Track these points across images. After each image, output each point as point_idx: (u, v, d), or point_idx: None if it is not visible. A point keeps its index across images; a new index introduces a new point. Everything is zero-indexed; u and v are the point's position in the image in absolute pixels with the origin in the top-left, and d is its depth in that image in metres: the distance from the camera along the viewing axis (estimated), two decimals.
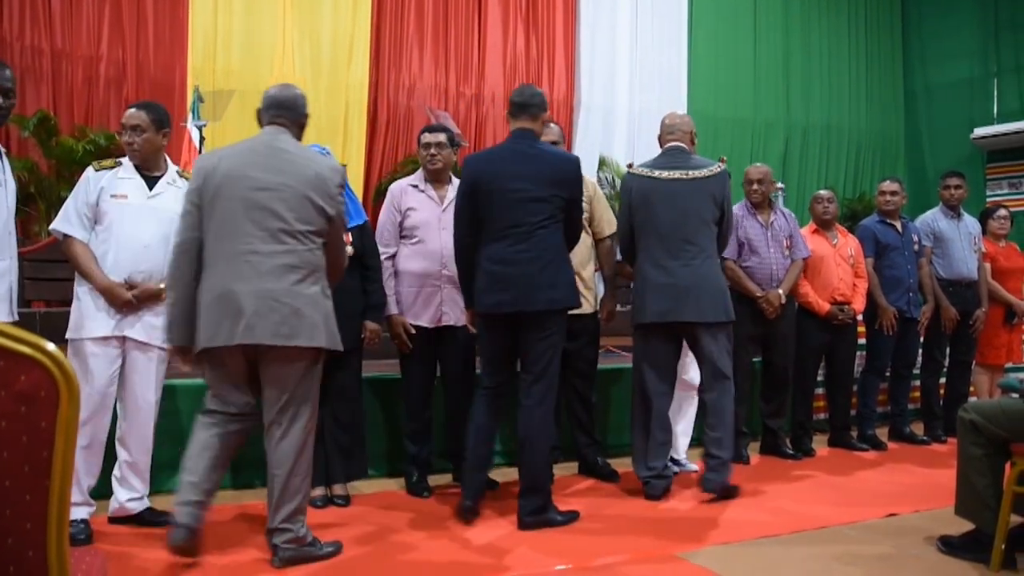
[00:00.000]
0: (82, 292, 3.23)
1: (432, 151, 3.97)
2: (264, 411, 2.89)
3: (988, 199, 9.69)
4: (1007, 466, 3.01)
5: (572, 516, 3.50)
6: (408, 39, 8.88)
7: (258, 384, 2.90)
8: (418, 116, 8.61)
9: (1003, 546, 2.92)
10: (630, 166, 4.04)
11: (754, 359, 4.97)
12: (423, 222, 3.92)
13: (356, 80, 8.51)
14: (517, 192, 3.35)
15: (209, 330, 2.78)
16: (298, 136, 3.03)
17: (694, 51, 10.21)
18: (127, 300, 3.18)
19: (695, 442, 4.63)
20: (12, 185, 2.98)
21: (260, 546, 3.05)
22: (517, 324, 3.41)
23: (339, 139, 8.32)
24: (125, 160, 3.32)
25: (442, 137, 4.00)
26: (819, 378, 5.32)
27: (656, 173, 3.91)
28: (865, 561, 3.08)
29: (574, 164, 3.54)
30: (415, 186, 4.02)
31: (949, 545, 3.15)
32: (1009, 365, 5.73)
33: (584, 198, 4.16)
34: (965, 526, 3.12)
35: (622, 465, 4.45)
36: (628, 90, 9.88)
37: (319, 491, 3.72)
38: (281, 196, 2.82)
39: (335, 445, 3.73)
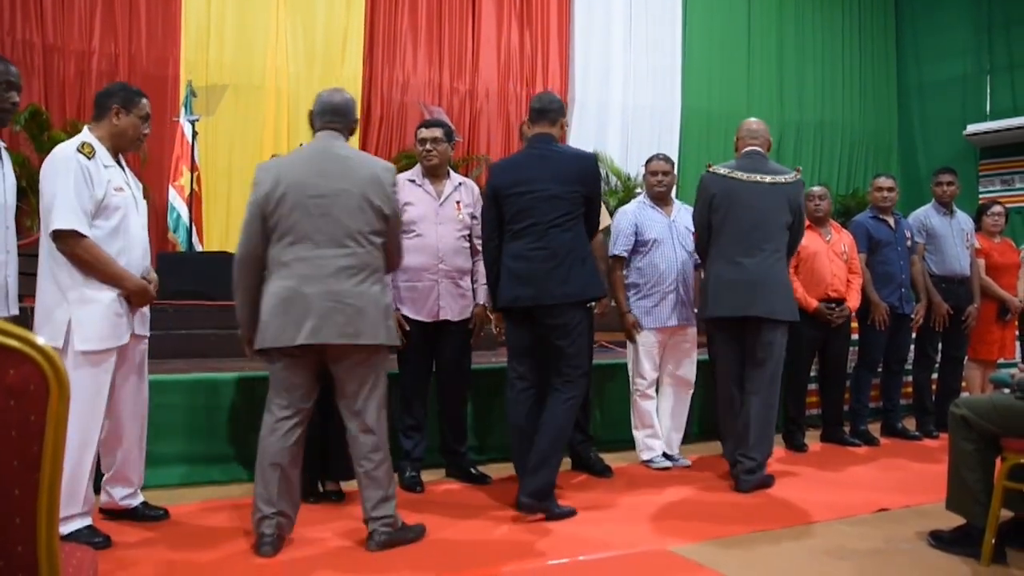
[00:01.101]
0: (93, 296, 2.97)
1: (428, 147, 3.97)
2: (340, 407, 3.05)
3: (980, 196, 9.71)
4: (997, 461, 3.02)
5: (569, 511, 3.51)
6: (402, 34, 8.86)
7: (321, 380, 3.06)
8: (412, 112, 8.60)
9: (993, 540, 2.94)
10: (709, 167, 4.24)
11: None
12: (420, 216, 3.91)
13: (350, 75, 8.49)
14: (534, 193, 3.52)
15: (274, 331, 2.91)
16: (347, 139, 3.16)
17: (688, 47, 10.21)
18: (152, 300, 3.15)
19: (695, 437, 4.65)
20: (12, 180, 2.93)
21: (249, 535, 3.05)
22: (537, 319, 3.56)
23: None
24: (99, 147, 3.12)
25: (438, 132, 3.99)
26: (812, 373, 5.33)
27: (737, 175, 4.07)
28: (856, 555, 3.08)
29: (590, 160, 3.70)
30: (412, 180, 4.02)
31: (940, 540, 3.16)
32: (1001, 361, 5.75)
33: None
34: (956, 521, 3.13)
35: (615, 460, 4.46)
36: (622, 86, 9.88)
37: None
38: (340, 201, 2.94)
39: (329, 441, 3.72)
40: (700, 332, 4.75)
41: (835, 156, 11.10)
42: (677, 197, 4.84)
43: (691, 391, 4.64)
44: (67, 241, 2.94)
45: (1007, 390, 3.10)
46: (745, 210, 4.01)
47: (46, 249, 2.99)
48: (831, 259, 5.00)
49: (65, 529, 2.88)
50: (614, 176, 9.20)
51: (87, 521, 3.02)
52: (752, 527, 3.42)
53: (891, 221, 5.31)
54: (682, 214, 4.60)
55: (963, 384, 5.78)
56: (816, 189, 5.31)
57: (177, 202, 7.21)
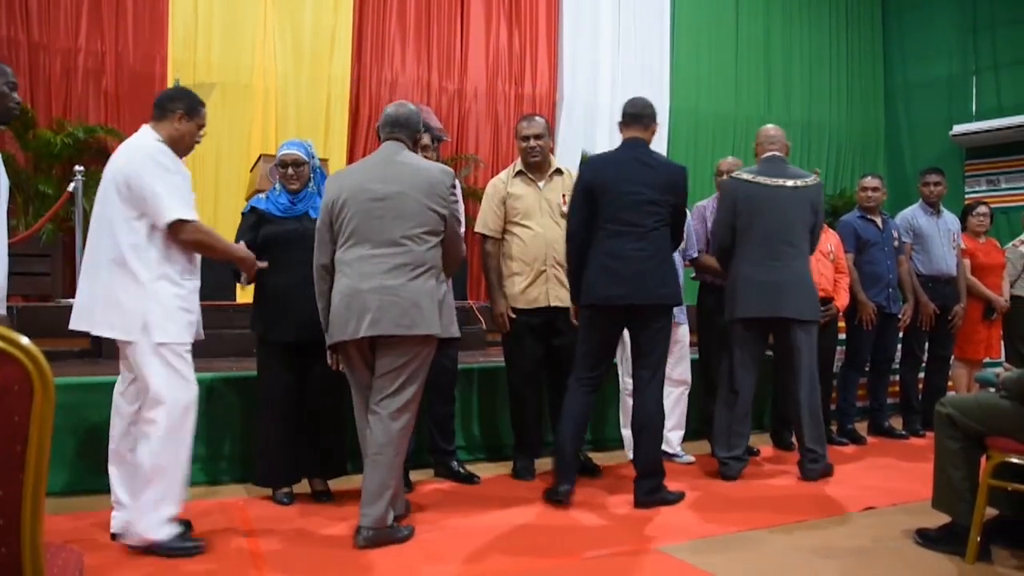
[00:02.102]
0: (188, 287, 3.10)
1: (426, 155, 3.94)
2: (372, 394, 3.18)
3: (966, 196, 9.76)
4: (983, 459, 3.04)
5: (680, 495, 3.78)
6: (390, 33, 8.83)
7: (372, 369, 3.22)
8: None
9: (978, 538, 2.96)
10: (731, 172, 4.45)
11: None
12: None
13: (338, 74, 8.46)
14: (634, 195, 3.66)
15: (338, 328, 3.14)
16: (413, 149, 3.37)
17: (676, 47, 10.22)
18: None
19: (696, 434, 4.66)
20: (5, 181, 2.91)
21: (238, 533, 3.04)
22: (627, 318, 3.70)
23: (320, 133, 8.26)
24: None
25: (426, 139, 3.96)
26: None
27: (760, 179, 4.22)
28: (843, 553, 3.10)
29: (683, 173, 3.85)
30: None
31: (926, 537, 3.18)
32: (987, 360, 5.79)
33: (570, 189, 4.19)
34: (942, 519, 3.15)
35: (604, 459, 4.47)
36: (611, 86, 9.88)
37: (284, 489, 3.72)
38: (397, 204, 3.15)
39: (316, 440, 3.72)
40: (691, 331, 4.78)
41: (822, 156, 11.13)
42: None
43: (687, 389, 4.66)
44: (186, 230, 3.05)
45: (992, 389, 3.12)
46: (769, 213, 4.17)
47: (127, 246, 2.98)
48: (818, 259, 5.01)
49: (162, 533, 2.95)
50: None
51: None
52: (741, 526, 3.43)
53: (879, 221, 5.34)
54: None
55: (949, 383, 5.81)
56: None
57: None
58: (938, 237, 5.51)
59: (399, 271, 3.11)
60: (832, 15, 11.33)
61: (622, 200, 3.67)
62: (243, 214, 3.79)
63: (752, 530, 3.39)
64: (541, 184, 4.18)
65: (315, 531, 3.29)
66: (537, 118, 4.24)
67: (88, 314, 3.03)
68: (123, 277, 2.97)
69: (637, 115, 3.81)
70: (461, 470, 4.18)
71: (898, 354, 5.66)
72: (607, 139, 9.79)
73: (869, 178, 5.43)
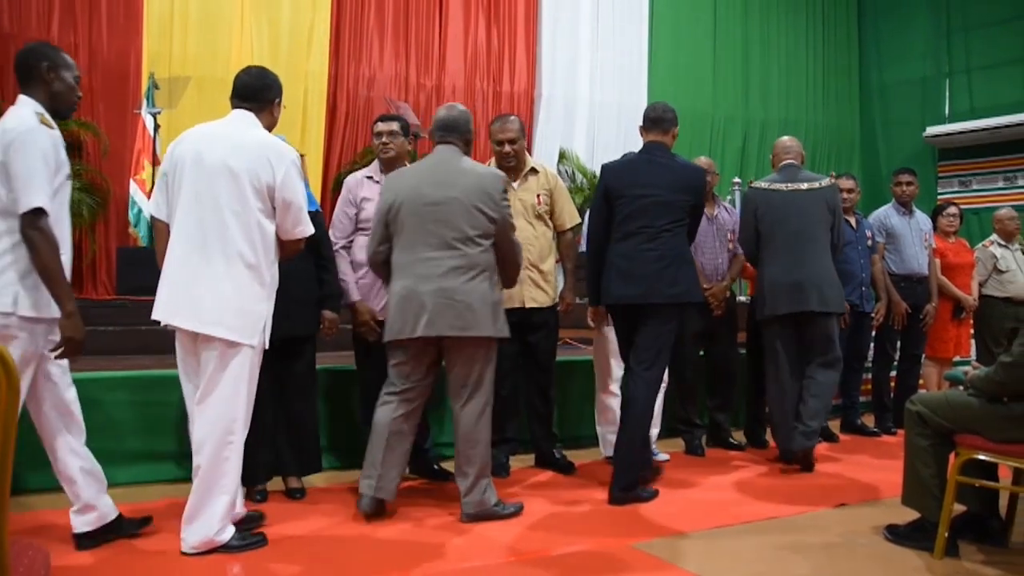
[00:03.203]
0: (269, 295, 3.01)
1: (385, 139, 3.95)
2: (449, 391, 3.43)
3: (939, 196, 9.89)
4: (951, 457, 3.08)
5: (654, 493, 3.81)
6: (368, 29, 8.80)
7: (437, 366, 3.44)
8: (378, 107, 8.53)
9: (946, 534, 3.00)
10: (751, 183, 4.77)
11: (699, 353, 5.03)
12: None
13: (315, 69, 8.42)
14: (647, 197, 3.77)
15: (396, 325, 3.30)
16: (465, 150, 3.48)
17: (654, 45, 10.26)
18: None
19: (672, 432, 4.66)
20: (66, 168, 2.84)
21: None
22: (639, 316, 3.79)
23: (297, 129, 8.22)
24: None
25: (395, 126, 3.97)
26: None
27: (777, 186, 4.51)
28: (815, 550, 3.13)
29: (700, 173, 4.01)
30: (370, 177, 4.00)
31: (895, 534, 3.22)
32: (957, 359, 5.87)
33: (544, 190, 4.19)
34: (912, 515, 3.19)
35: (579, 457, 4.48)
36: (589, 83, 9.91)
37: (259, 486, 3.69)
38: (450, 208, 3.28)
39: (288, 437, 3.70)
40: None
41: None
42: None
43: (664, 387, 4.67)
44: (302, 242, 3.11)
45: (961, 387, 3.17)
46: (790, 216, 4.43)
47: (259, 246, 2.94)
48: None
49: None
50: (580, 174, 9.23)
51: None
52: (713, 522, 3.46)
53: (852, 221, 5.38)
54: (723, 213, 4.77)
55: (921, 381, 5.88)
56: None
57: (138, 196, 7.08)
58: (910, 237, 5.57)
59: (454, 273, 3.25)
60: (809, 16, 11.43)
61: (635, 203, 3.79)
62: None
63: (725, 527, 3.42)
64: (515, 185, 4.17)
65: (291, 528, 3.27)
66: (511, 120, 4.20)
67: (192, 310, 2.89)
68: (250, 277, 2.92)
69: (657, 119, 3.94)
70: (436, 467, 4.17)
71: (871, 353, 5.72)
72: (585, 136, 9.83)
73: (843, 179, 5.47)
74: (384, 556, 2.99)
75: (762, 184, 4.60)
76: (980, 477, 3.05)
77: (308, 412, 3.75)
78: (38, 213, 2.64)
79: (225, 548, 2.91)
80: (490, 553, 3.03)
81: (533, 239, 4.10)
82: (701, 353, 5.03)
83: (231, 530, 2.96)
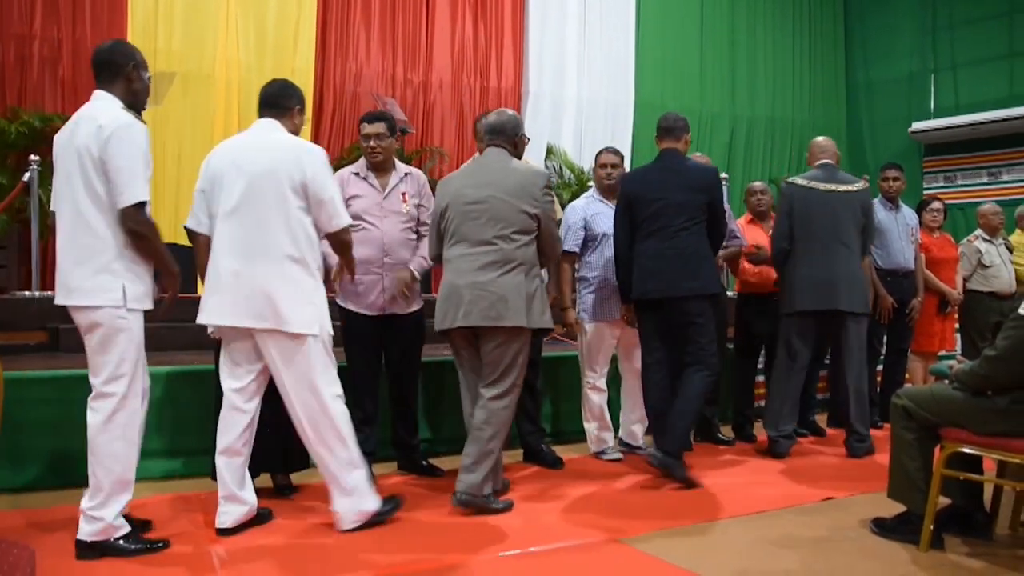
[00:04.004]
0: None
1: (372, 143, 3.91)
2: (482, 378, 3.55)
3: (924, 192, 9.94)
4: (937, 450, 3.10)
5: (694, 483, 3.92)
6: (355, 25, 8.75)
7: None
8: (365, 103, 8.49)
9: (932, 527, 3.02)
10: (787, 179, 4.86)
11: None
12: (364, 210, 3.87)
13: (302, 65, 8.36)
14: (663, 200, 4.03)
15: (440, 316, 3.56)
16: (514, 152, 3.68)
17: (642, 41, 10.26)
18: None
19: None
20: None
21: (200, 527, 3.00)
22: (665, 310, 4.04)
23: None
24: None
25: (382, 127, 3.93)
26: (759, 366, 5.41)
27: (815, 184, 4.60)
28: (802, 543, 3.15)
29: (713, 173, 4.24)
30: (357, 174, 3.97)
31: (882, 527, 3.24)
32: (942, 353, 5.90)
33: None
34: (898, 508, 3.21)
35: (566, 452, 4.49)
36: (576, 80, 9.90)
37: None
38: (489, 207, 3.48)
39: (278, 434, 3.68)
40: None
41: (785, 151, 11.25)
42: None
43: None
44: (349, 235, 3.30)
45: (946, 381, 3.19)
46: (824, 215, 4.55)
47: (304, 243, 3.09)
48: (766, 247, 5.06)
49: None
50: (567, 170, 9.22)
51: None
52: (701, 517, 3.47)
53: None
54: None
55: (906, 376, 5.91)
56: (756, 184, 5.41)
57: None
58: (896, 232, 5.58)
59: (490, 268, 3.44)
60: (795, 13, 11.46)
61: (652, 205, 4.04)
62: None
63: (712, 521, 3.43)
64: None
65: (278, 524, 3.26)
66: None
67: (250, 310, 3.03)
68: (300, 272, 3.07)
69: (669, 128, 4.22)
70: (425, 463, 4.17)
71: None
72: (572, 133, 9.82)
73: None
74: (367, 551, 2.98)
75: (799, 181, 4.69)
76: (965, 470, 3.07)
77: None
78: (141, 206, 2.83)
79: (377, 517, 3.20)
80: (476, 549, 3.03)
81: None
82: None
83: (377, 499, 3.23)
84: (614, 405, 4.73)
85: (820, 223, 4.54)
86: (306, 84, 8.35)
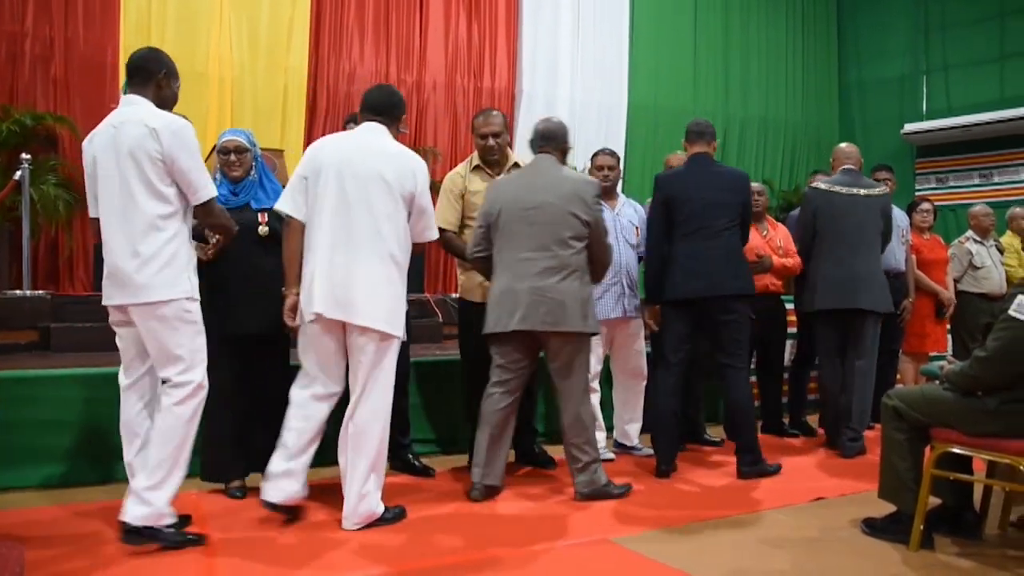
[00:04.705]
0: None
1: None
2: (553, 381, 3.72)
3: (916, 193, 9.97)
4: (927, 450, 3.11)
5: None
6: (348, 24, 8.74)
7: (535, 358, 3.77)
8: (358, 103, 8.46)
9: (922, 527, 3.03)
10: (811, 183, 5.03)
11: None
12: None
13: (295, 64, 8.35)
14: (704, 200, 4.13)
15: (494, 319, 3.62)
16: (562, 159, 3.83)
17: (635, 42, 10.27)
18: None
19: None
20: None
21: (192, 527, 3.00)
22: (705, 310, 4.12)
23: (277, 124, 8.16)
24: None
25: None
26: (751, 366, 5.41)
27: (837, 188, 4.77)
28: (792, 544, 3.16)
29: (744, 176, 4.38)
30: None
31: (872, 527, 3.26)
32: (933, 354, 5.92)
33: None
34: (888, 508, 3.22)
35: (559, 452, 4.48)
36: (569, 81, 9.90)
37: (236, 483, 3.69)
38: (546, 213, 3.58)
39: (262, 434, 3.67)
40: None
41: (778, 151, 11.28)
42: (622, 191, 4.88)
43: (644, 382, 4.68)
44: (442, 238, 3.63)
45: (937, 382, 3.20)
46: (846, 218, 4.71)
47: (395, 249, 3.22)
48: (768, 254, 5.08)
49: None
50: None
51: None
52: (692, 517, 3.48)
53: None
54: (626, 208, 4.63)
55: (898, 376, 5.93)
56: (755, 185, 5.39)
57: None
58: None
59: (548, 273, 3.55)
60: (788, 14, 11.49)
61: (693, 206, 4.13)
62: None
63: (703, 521, 3.44)
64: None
65: (270, 525, 3.26)
66: (494, 113, 4.22)
67: (350, 305, 3.13)
68: (399, 276, 3.25)
69: (700, 133, 4.31)
70: (416, 463, 4.17)
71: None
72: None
73: (819, 175, 5.50)
74: (358, 553, 2.98)
75: (822, 185, 4.84)
76: (955, 470, 3.09)
77: (282, 406, 3.71)
78: (214, 199, 3.05)
79: (381, 520, 3.26)
80: (468, 548, 3.04)
81: None
82: None
83: (381, 504, 3.29)
84: (606, 405, 4.74)
85: (843, 225, 4.71)
86: (299, 83, 8.34)
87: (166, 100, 3.12)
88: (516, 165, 4.23)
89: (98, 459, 3.80)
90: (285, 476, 3.21)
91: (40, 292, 5.86)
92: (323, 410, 3.28)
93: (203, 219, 3.08)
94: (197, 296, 3.02)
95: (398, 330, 3.21)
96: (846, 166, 4.89)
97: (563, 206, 3.59)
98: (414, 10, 9.04)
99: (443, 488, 3.88)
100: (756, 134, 11.14)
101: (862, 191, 4.77)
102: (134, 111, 2.97)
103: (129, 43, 7.61)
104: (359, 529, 3.18)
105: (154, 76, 3.08)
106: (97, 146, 3.00)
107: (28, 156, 5.82)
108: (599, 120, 9.96)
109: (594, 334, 3.78)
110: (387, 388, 3.23)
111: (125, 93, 3.10)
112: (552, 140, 3.80)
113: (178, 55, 7.89)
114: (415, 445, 4.35)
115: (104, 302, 3.05)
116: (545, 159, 3.78)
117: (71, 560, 2.80)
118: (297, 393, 3.29)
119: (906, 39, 10.94)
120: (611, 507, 3.62)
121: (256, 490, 3.64)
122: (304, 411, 3.25)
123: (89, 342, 5.08)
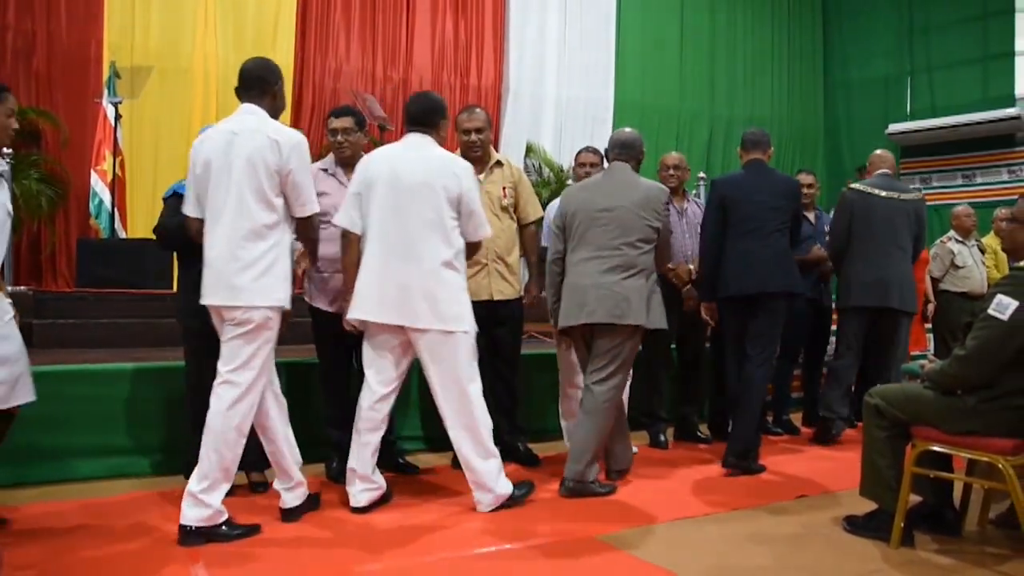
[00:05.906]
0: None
1: (340, 138, 3.88)
2: (587, 373, 3.87)
3: None
4: (908, 448, 3.14)
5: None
6: (335, 21, 8.72)
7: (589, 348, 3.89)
8: (344, 100, 8.47)
9: (902, 524, 3.06)
10: (849, 184, 5.13)
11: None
12: (332, 207, 3.80)
13: (281, 61, 8.09)
14: (759, 203, 4.33)
15: (564, 314, 3.85)
16: (636, 167, 4.00)
17: (622, 40, 10.31)
18: None
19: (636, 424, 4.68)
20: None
21: (176, 524, 2.99)
22: (753, 305, 4.28)
23: None
24: None
25: (348, 122, 3.89)
26: None
27: (874, 191, 4.90)
28: (775, 540, 3.18)
29: (796, 184, 4.62)
30: (325, 170, 3.91)
31: (854, 524, 3.28)
32: (915, 353, 5.97)
33: (509, 183, 4.19)
34: (870, 506, 3.25)
35: (543, 449, 4.50)
36: (556, 79, 9.93)
37: (256, 475, 3.69)
38: (617, 215, 3.79)
39: (252, 431, 3.66)
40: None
41: None
42: None
43: (629, 381, 4.69)
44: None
45: (918, 380, 3.23)
46: (882, 220, 4.86)
47: (445, 252, 3.35)
48: None
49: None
50: (547, 168, 9.24)
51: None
52: (675, 514, 3.49)
53: (812, 216, 5.45)
54: (692, 207, 4.82)
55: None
56: (804, 177, 5.43)
57: (99, 187, 6.96)
58: None
59: (614, 271, 3.74)
60: (775, 14, 11.56)
61: (749, 208, 4.32)
62: (165, 199, 3.69)
63: (687, 518, 3.46)
64: (481, 177, 4.15)
65: (255, 521, 3.25)
66: (478, 110, 4.22)
67: (406, 310, 3.28)
68: (453, 275, 3.35)
69: (756, 141, 4.53)
70: (401, 460, 4.17)
71: (831, 346, 5.78)
72: (552, 131, 9.85)
73: (802, 175, 5.52)
74: (342, 550, 2.98)
75: (860, 187, 4.97)
76: (935, 468, 3.11)
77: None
78: (315, 216, 3.20)
79: (511, 500, 3.46)
80: (452, 545, 3.04)
81: (499, 232, 4.09)
82: (672, 346, 5.08)
83: (508, 483, 3.48)
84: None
85: (878, 226, 4.85)
86: (285, 80, 8.30)
87: (278, 109, 3.26)
88: (498, 163, 4.23)
89: (80, 456, 3.78)
90: (362, 481, 3.41)
91: (22, 288, 5.81)
92: (384, 409, 3.44)
93: (301, 231, 3.22)
94: (288, 307, 3.11)
95: (457, 325, 3.34)
96: (882, 170, 5.04)
97: (635, 210, 3.79)
98: (400, 7, 9.05)
99: (426, 485, 3.88)
100: (741, 131, 11.17)
101: (898, 195, 4.92)
102: (254, 120, 3.10)
103: (113, 38, 7.58)
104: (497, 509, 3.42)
105: (271, 87, 3.21)
106: (210, 150, 3.07)
107: (10, 151, 5.77)
108: (585, 117, 9.99)
109: (662, 330, 3.94)
110: (461, 379, 3.36)
111: (242, 102, 3.19)
112: (628, 149, 3.99)
113: (162, 50, 7.99)
114: (400, 442, 4.35)
115: (202, 301, 3.11)
116: (620, 167, 3.96)
117: (52, 556, 2.79)
118: (361, 400, 3.44)
119: (891, 40, 11.03)
120: (595, 503, 3.63)
121: (240, 487, 3.65)
122: (370, 415, 3.42)
123: (71, 338, 5.05)
